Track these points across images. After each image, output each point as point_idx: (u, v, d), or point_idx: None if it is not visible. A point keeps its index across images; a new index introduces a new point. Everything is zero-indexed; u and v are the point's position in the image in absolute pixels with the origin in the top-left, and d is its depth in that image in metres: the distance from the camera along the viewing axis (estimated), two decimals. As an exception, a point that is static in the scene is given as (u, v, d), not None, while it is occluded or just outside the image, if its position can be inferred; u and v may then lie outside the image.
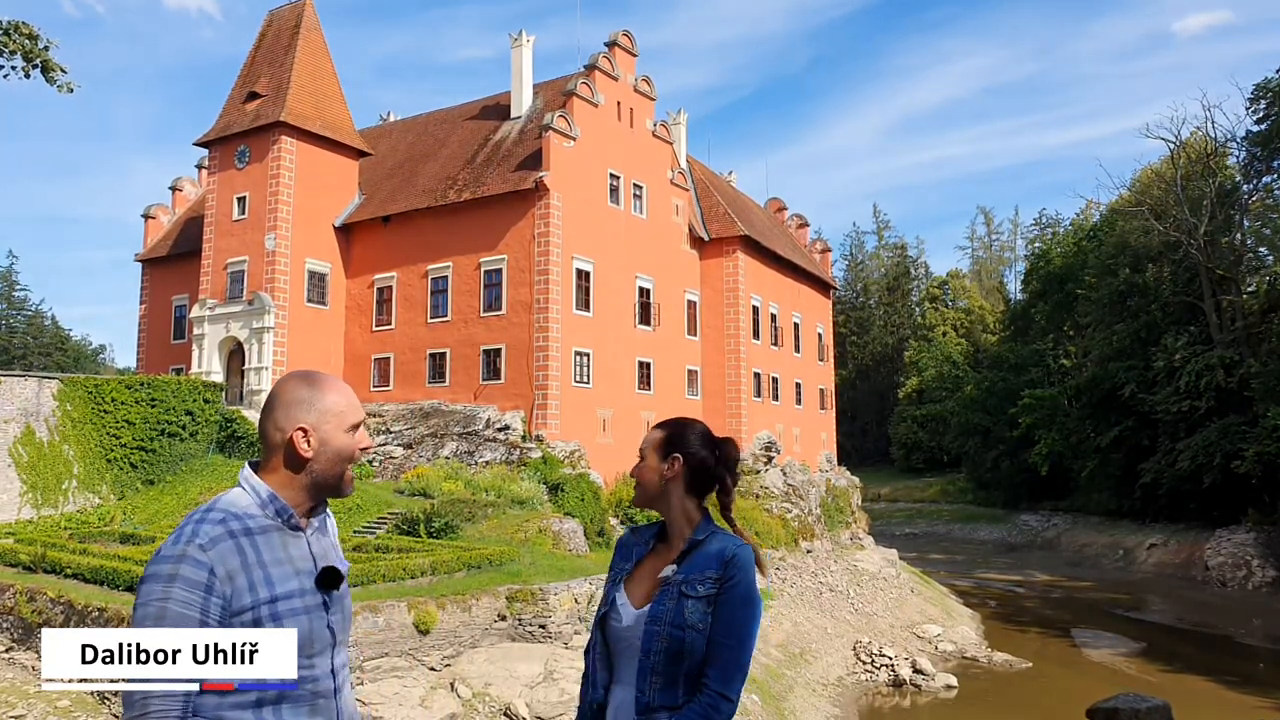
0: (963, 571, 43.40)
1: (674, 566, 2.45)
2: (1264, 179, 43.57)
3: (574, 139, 29.69)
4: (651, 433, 2.64)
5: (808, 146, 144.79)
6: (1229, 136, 44.67)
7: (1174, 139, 45.09)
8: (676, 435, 2.59)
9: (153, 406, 26.85)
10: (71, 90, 7.33)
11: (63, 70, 7.42)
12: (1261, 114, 41.61)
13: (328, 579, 2.15)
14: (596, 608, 2.70)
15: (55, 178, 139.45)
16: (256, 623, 2.00)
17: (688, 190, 36.01)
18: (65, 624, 15.94)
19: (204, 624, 1.94)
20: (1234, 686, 22.77)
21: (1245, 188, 43.99)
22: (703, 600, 2.37)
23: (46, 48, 7.35)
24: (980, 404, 60.80)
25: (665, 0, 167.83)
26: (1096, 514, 50.63)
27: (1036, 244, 71.63)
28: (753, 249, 36.57)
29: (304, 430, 2.13)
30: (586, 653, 2.62)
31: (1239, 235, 44.10)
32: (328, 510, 2.30)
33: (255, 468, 2.19)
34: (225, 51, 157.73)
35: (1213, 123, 51.07)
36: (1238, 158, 44.93)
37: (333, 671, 2.16)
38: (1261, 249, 44.98)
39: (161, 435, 26.82)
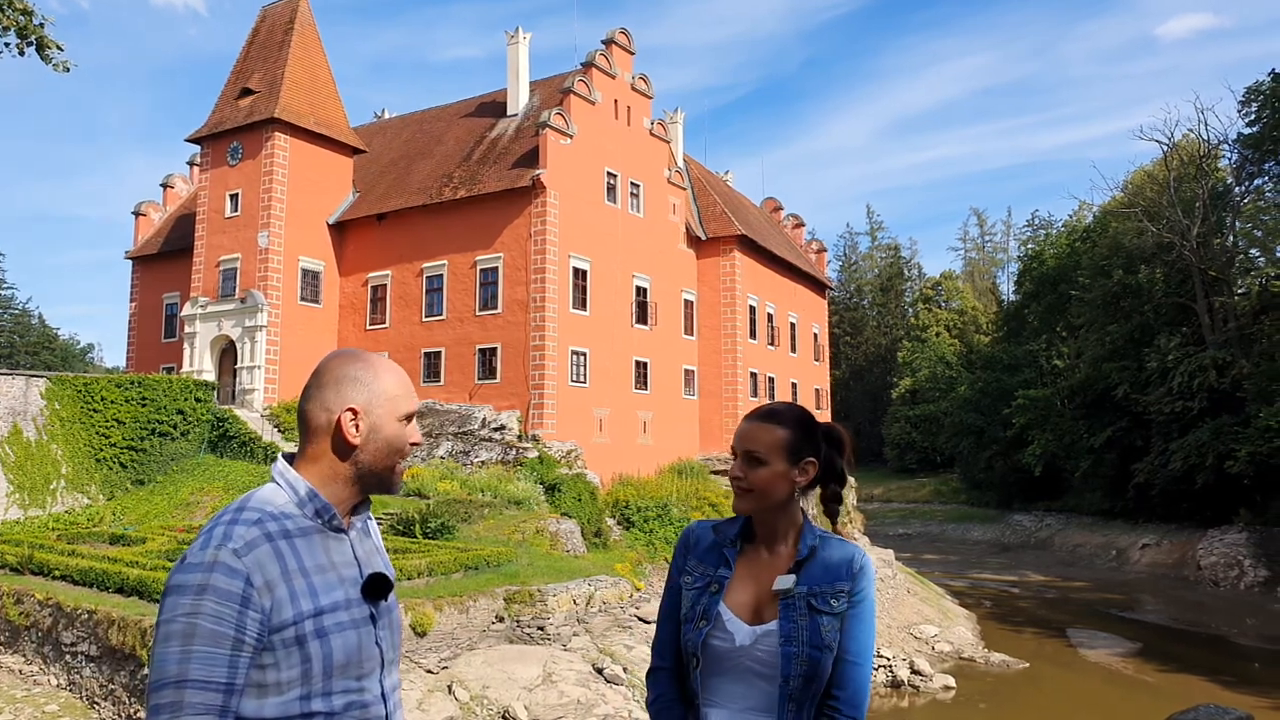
0: (957, 572, 43.36)
1: (793, 577, 2.18)
2: (1255, 181, 43.70)
3: (571, 137, 29.51)
4: (761, 429, 2.25)
5: (803, 146, 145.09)
6: (1221, 139, 44.83)
7: (1167, 141, 45.24)
8: (806, 434, 2.25)
9: (143, 405, 26.54)
10: (68, 69, 7.06)
11: (59, 48, 7.14)
12: (1253, 116, 41.73)
13: (375, 587, 1.89)
14: (664, 615, 2.36)
15: (43, 176, 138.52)
16: (299, 640, 1.74)
17: (685, 189, 35.88)
18: (53, 627, 15.68)
19: (239, 642, 1.68)
20: (1231, 687, 22.72)
21: (1237, 190, 44.11)
22: (836, 616, 2.14)
23: (42, 24, 7.07)
24: (973, 404, 60.82)
25: (660, 0, 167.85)
26: (1090, 514, 50.66)
27: (1029, 245, 71.65)
28: (749, 248, 36.46)
29: (354, 412, 1.88)
30: (651, 674, 2.33)
31: (1231, 237, 44.20)
32: (369, 511, 2.05)
33: (290, 460, 1.92)
34: (213, 49, 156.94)
35: (1205, 125, 51.46)
36: (1230, 160, 45.06)
37: (384, 695, 1.90)
38: (1253, 250, 45.11)
39: (152, 435, 26.51)
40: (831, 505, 2.31)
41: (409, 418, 1.96)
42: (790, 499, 2.25)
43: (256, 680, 1.72)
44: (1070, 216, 66.52)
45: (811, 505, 2.36)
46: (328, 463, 1.89)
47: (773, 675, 2.14)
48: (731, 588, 2.24)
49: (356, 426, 1.88)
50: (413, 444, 1.97)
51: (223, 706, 1.67)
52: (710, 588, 2.24)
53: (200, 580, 1.69)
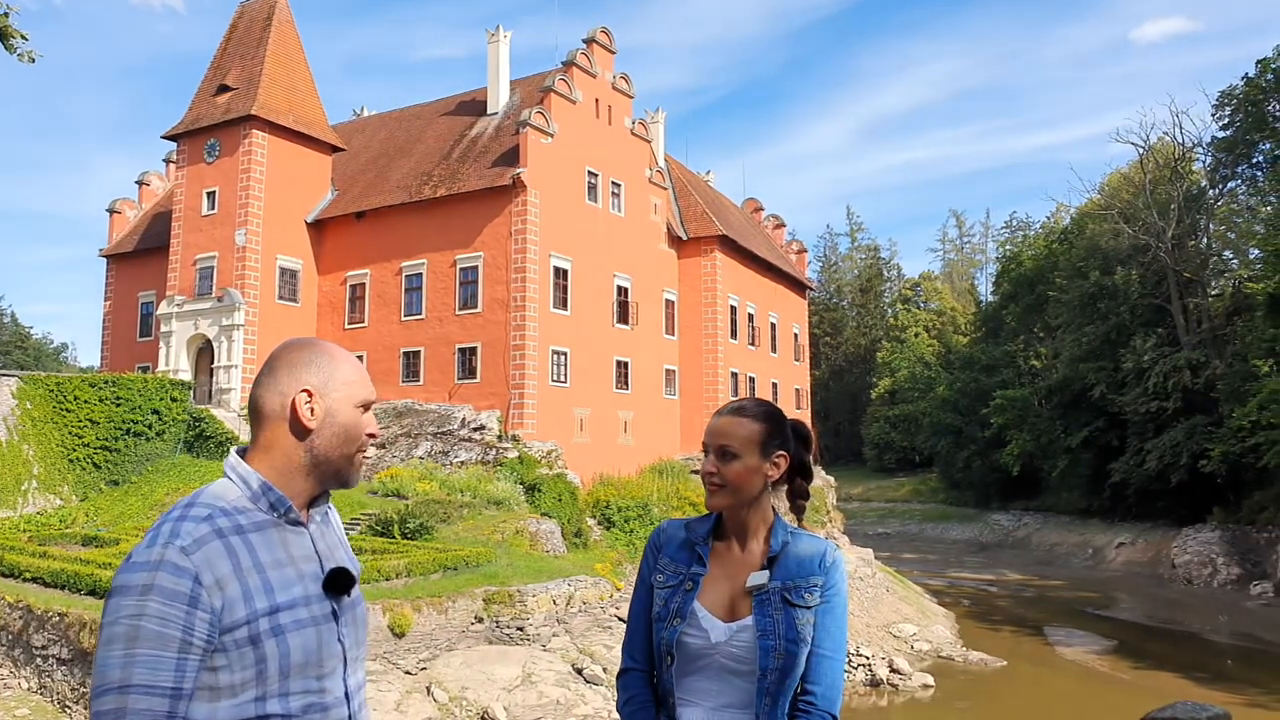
0: (936, 571, 43.60)
1: (766, 573, 2.18)
2: (1229, 184, 44.33)
3: (552, 135, 29.43)
4: (733, 423, 2.24)
5: (783, 148, 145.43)
6: (1195, 142, 45.43)
7: (1142, 144, 45.77)
8: (776, 428, 2.25)
9: (117, 405, 26.20)
10: (33, 60, 6.91)
11: (23, 37, 6.97)
12: (1226, 120, 42.29)
13: (337, 582, 1.80)
14: (635, 615, 2.32)
15: (12, 171, 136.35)
16: (253, 639, 1.65)
17: (666, 189, 35.88)
18: (24, 630, 15.45)
19: (187, 644, 1.59)
20: (1204, 683, 22.97)
21: (1211, 192, 44.69)
22: (810, 610, 2.14)
23: (6, 14, 6.90)
24: (952, 404, 61.24)
25: (640, 1, 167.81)
26: (1067, 513, 51.14)
27: (1007, 246, 72.29)
28: (730, 248, 36.51)
29: (309, 393, 1.79)
30: (622, 676, 2.29)
31: (1205, 239, 44.82)
32: (330, 502, 1.94)
33: (244, 455, 1.84)
34: (189, 47, 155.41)
35: (1180, 128, 52.09)
36: (1204, 163, 45.65)
37: (347, 696, 1.81)
38: (1226, 252, 45.75)
39: (126, 435, 26.17)
40: (799, 501, 2.31)
41: (366, 406, 1.87)
42: (763, 494, 2.25)
43: (208, 683, 1.64)
44: (1048, 218, 67.17)
45: (782, 503, 2.36)
46: (281, 451, 1.79)
47: (747, 671, 2.13)
48: (705, 585, 2.22)
49: (312, 410, 1.79)
50: (369, 435, 1.88)
51: (170, 712, 1.59)
52: (684, 585, 2.22)
53: (145, 580, 1.59)
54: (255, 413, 1.83)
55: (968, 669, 25.20)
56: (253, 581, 1.67)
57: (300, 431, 1.79)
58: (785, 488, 2.31)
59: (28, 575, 16.94)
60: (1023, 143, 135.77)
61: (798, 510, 2.32)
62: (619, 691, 2.30)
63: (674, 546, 2.30)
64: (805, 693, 2.14)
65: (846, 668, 24.14)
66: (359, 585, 1.91)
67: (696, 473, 32.08)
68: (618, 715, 2.31)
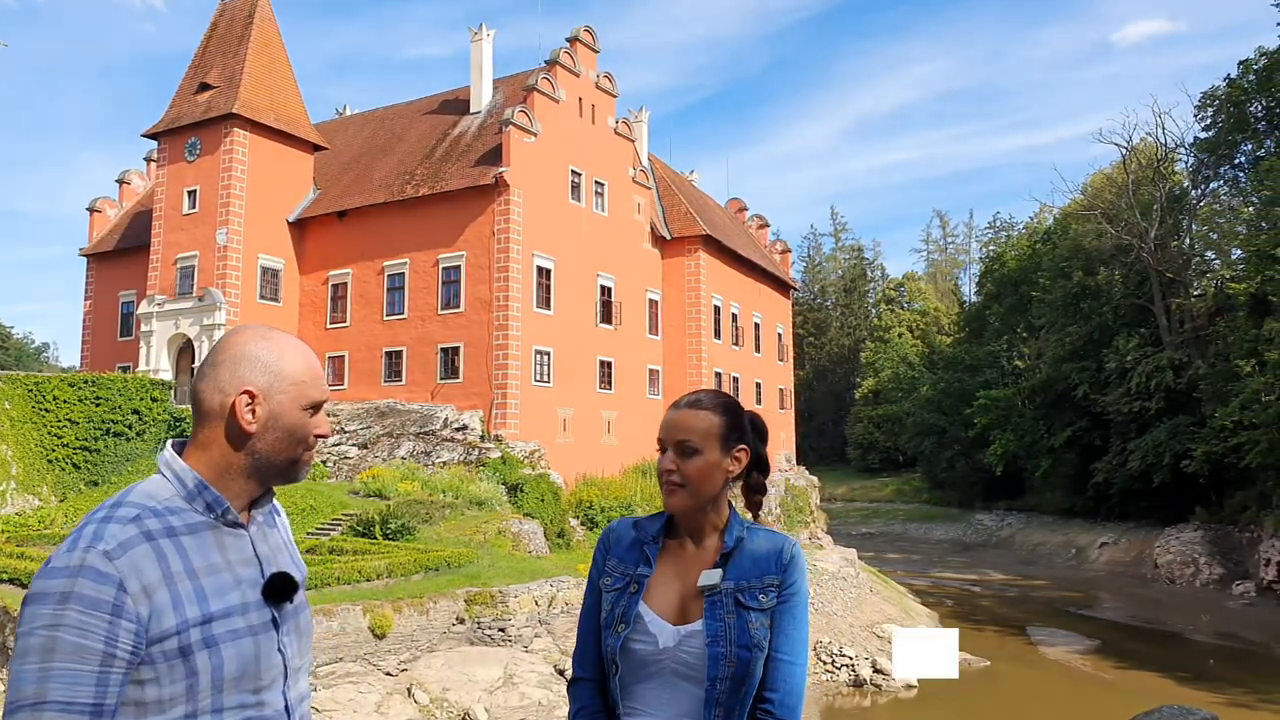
0: (919, 571, 43.72)
1: (719, 572, 2.03)
2: (1211, 184, 44.62)
3: (535, 134, 29.34)
4: (692, 416, 2.10)
5: (767, 148, 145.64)
6: (1178, 143, 45.73)
7: (1125, 144, 46.05)
8: (736, 420, 2.12)
9: (97, 405, 25.95)
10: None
11: (-16, 27, 6.86)
12: (1208, 121, 42.59)
13: (278, 588, 1.68)
14: (586, 622, 2.19)
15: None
16: (184, 651, 1.53)
17: (649, 188, 35.83)
18: (0, 631, 15.26)
19: (110, 656, 1.47)
20: (1186, 683, 23.08)
21: (1193, 193, 44.99)
22: (765, 612, 1.99)
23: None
24: (936, 404, 61.45)
25: (623, 1, 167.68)
26: (1050, 513, 51.40)
27: (991, 247, 72.73)
28: (714, 248, 36.51)
29: (250, 395, 1.65)
30: (572, 686, 2.17)
31: (1187, 239, 45.10)
32: (275, 502, 1.83)
33: (181, 449, 1.70)
34: (170, 46, 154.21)
35: (1163, 129, 52.23)
36: (1186, 163, 45.95)
37: (287, 709, 1.71)
38: (1208, 253, 46.02)
39: (106, 435, 25.92)
40: (755, 497, 2.18)
41: (316, 407, 1.73)
42: (722, 491, 2.13)
43: (133, 698, 1.53)
44: (1031, 219, 67.54)
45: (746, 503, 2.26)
46: (220, 451, 1.67)
47: (700, 679, 1.99)
48: (654, 587, 2.08)
49: (253, 412, 1.65)
50: (318, 435, 1.75)
51: None
52: (629, 588, 2.08)
53: (64, 587, 1.47)
54: (196, 408, 1.71)
55: (951, 668, 25.22)
56: (184, 588, 1.56)
57: (239, 435, 1.67)
58: (741, 483, 2.18)
59: (5, 576, 16.73)
60: (1006, 143, 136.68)
61: (754, 507, 2.19)
62: (569, 703, 2.18)
63: (623, 547, 2.17)
64: (763, 700, 1.99)
65: (830, 668, 24.14)
66: (305, 591, 1.80)
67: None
68: None
